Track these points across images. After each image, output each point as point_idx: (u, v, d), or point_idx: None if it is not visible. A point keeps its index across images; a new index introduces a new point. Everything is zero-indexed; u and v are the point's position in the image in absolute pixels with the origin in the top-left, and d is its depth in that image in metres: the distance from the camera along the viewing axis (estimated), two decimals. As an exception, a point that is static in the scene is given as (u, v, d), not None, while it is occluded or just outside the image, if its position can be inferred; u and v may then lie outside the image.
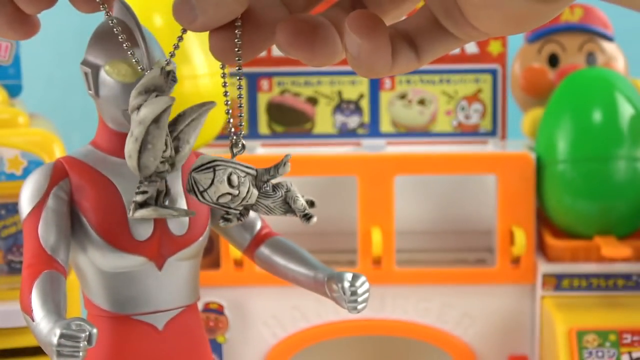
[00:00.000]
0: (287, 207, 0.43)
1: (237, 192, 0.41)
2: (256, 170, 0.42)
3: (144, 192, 0.41)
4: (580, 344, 0.86)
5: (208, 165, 0.41)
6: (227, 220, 0.42)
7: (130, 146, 0.40)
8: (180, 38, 0.41)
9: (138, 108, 0.40)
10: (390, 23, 0.37)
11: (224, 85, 0.42)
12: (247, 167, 0.42)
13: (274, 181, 0.43)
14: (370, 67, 0.35)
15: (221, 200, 0.41)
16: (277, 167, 0.43)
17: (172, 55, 0.42)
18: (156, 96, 0.40)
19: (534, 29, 0.88)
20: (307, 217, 0.44)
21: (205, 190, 0.41)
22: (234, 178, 0.41)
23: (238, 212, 0.43)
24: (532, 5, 0.31)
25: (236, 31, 0.38)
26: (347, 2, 0.38)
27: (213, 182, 0.41)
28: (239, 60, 0.39)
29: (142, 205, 0.42)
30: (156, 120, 0.39)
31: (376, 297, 0.95)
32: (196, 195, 0.41)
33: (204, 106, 0.41)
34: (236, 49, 0.38)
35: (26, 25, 0.37)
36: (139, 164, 0.40)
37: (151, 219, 0.43)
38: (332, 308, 0.96)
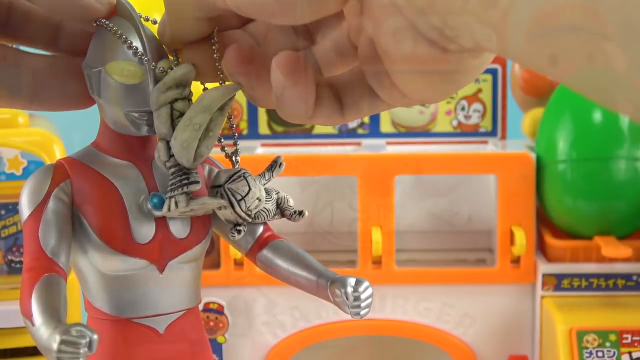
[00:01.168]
0: (277, 208, 0.44)
1: (261, 196, 0.42)
2: None
3: (196, 182, 0.40)
4: (580, 344, 0.86)
5: (238, 174, 0.41)
6: (238, 232, 0.43)
7: (188, 134, 0.39)
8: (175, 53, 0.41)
9: (172, 102, 0.40)
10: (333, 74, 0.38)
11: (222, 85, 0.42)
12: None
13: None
14: (292, 108, 0.36)
15: (251, 207, 0.41)
16: (271, 169, 0.43)
17: (176, 63, 0.42)
18: (185, 89, 0.40)
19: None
20: (300, 214, 0.44)
21: (242, 198, 0.41)
22: (258, 184, 0.42)
23: (246, 222, 0.43)
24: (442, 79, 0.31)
25: (213, 47, 0.39)
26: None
27: (250, 189, 0.41)
28: (220, 74, 0.40)
29: (190, 197, 0.41)
30: (221, 107, 0.39)
31: (376, 297, 0.95)
32: (232, 206, 0.41)
33: (227, 91, 0.39)
34: (217, 64, 0.39)
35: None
36: (196, 152, 0.40)
37: (188, 214, 0.42)
38: (332, 308, 0.95)
